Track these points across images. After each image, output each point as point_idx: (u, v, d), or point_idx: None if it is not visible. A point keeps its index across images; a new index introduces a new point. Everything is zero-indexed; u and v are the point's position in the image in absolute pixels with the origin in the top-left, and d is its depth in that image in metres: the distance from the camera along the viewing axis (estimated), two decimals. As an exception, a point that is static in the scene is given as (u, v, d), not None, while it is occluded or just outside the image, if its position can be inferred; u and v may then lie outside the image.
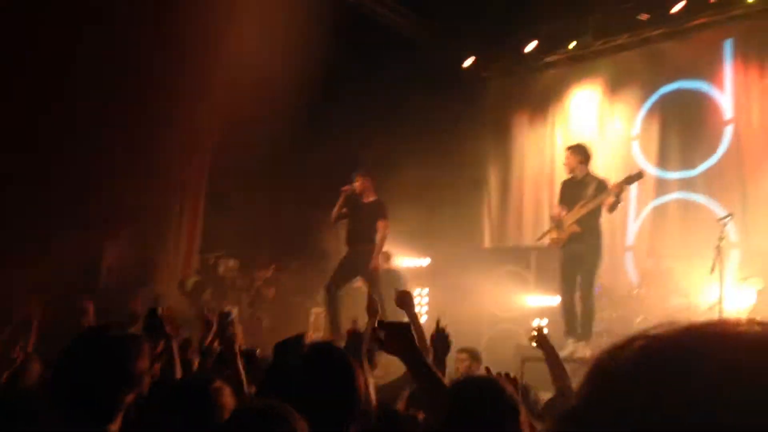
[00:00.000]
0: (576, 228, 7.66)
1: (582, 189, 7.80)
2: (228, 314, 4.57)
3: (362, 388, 2.29)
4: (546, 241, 8.42)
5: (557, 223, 7.88)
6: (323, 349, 2.52)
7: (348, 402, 2.22)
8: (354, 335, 4.51)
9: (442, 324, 3.50)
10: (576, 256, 7.73)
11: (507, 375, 4.70)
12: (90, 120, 8.26)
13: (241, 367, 3.47)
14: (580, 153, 7.99)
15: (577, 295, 7.77)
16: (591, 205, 7.64)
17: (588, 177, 7.90)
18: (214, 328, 4.79)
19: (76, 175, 8.09)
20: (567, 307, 7.85)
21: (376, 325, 5.06)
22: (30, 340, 4.52)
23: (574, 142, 8.77)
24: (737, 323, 0.65)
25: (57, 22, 7.74)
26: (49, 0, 8.01)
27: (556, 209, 7.97)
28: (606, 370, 0.66)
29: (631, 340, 0.66)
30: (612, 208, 7.69)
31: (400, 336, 2.53)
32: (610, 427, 0.60)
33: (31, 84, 7.76)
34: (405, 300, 4.41)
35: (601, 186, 7.76)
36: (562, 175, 12.21)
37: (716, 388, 0.58)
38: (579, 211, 7.71)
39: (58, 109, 7.95)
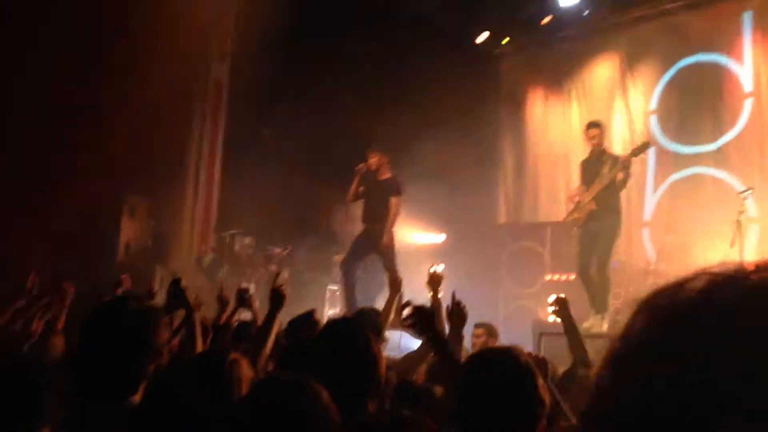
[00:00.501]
0: (593, 206, 7.62)
1: (600, 166, 7.78)
2: (246, 290, 4.58)
3: (380, 363, 2.31)
4: (569, 220, 8.42)
5: (576, 203, 7.81)
6: (341, 324, 2.54)
7: (366, 376, 2.24)
8: (372, 311, 4.53)
9: (458, 298, 3.50)
10: (592, 234, 7.70)
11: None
12: (104, 97, 8.28)
13: (271, 337, 3.48)
14: (603, 130, 7.97)
15: (593, 270, 7.75)
16: (605, 181, 7.59)
17: (605, 155, 7.85)
18: (231, 304, 4.81)
19: (92, 150, 8.12)
20: (584, 284, 7.84)
21: (397, 300, 5.11)
22: (60, 318, 4.56)
23: (593, 118, 8.68)
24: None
25: None
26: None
27: (576, 189, 7.99)
28: (668, 306, 0.64)
29: (688, 279, 0.65)
30: (622, 183, 7.64)
31: (429, 319, 2.71)
32: (681, 363, 0.59)
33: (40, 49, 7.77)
34: (435, 281, 4.59)
35: (617, 162, 7.70)
36: (578, 150, 12.16)
37: None
38: (594, 189, 7.67)
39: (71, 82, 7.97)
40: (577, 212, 7.86)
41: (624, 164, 7.50)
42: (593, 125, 8.09)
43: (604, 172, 7.67)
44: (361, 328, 2.51)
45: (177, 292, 3.59)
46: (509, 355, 2.28)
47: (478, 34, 12.77)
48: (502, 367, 2.18)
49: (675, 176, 11.01)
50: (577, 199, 7.92)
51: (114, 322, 2.20)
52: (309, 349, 2.51)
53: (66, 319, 4.63)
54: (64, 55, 8.15)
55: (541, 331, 7.49)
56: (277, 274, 4.15)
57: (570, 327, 3.82)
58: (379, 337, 4.20)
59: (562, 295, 4.16)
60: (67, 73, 8.20)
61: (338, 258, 8.96)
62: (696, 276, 0.64)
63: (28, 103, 8.27)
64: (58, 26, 8.16)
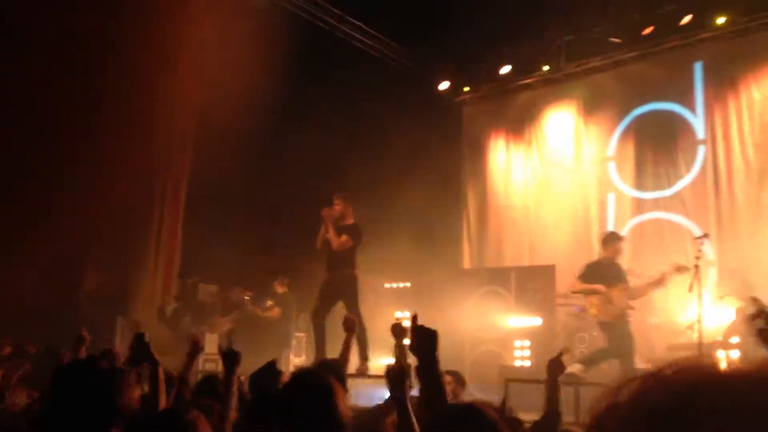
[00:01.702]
0: (632, 307, 7.80)
1: (616, 270, 7.95)
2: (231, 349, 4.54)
3: (345, 414, 2.31)
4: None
5: (607, 298, 7.77)
6: (305, 376, 2.54)
7: (330, 426, 2.23)
8: (333, 361, 4.50)
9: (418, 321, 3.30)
10: (623, 334, 7.67)
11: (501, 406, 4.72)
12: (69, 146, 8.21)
13: (234, 395, 3.45)
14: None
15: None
16: (650, 289, 7.80)
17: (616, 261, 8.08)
18: (194, 355, 4.73)
19: (54, 201, 8.02)
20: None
21: (351, 340, 5.11)
22: (16, 373, 4.46)
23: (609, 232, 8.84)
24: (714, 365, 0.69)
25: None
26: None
27: (602, 286, 7.84)
28: (610, 409, 0.70)
29: (629, 381, 0.70)
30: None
31: (428, 340, 2.60)
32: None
33: None
34: (398, 331, 4.51)
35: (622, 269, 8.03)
36: (540, 196, 12.42)
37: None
38: (632, 292, 7.83)
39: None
40: (610, 308, 7.74)
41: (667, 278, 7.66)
42: (619, 238, 8.32)
43: (621, 275, 7.92)
44: (324, 378, 2.51)
45: (141, 347, 3.54)
46: (474, 412, 2.28)
47: (440, 83, 13.04)
48: (468, 425, 2.18)
49: (634, 221, 11.27)
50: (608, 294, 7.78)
51: (83, 381, 2.17)
52: (274, 401, 2.50)
53: (25, 373, 4.53)
54: (27, 111, 8.10)
55: (508, 377, 7.50)
56: (231, 332, 4.12)
57: (553, 382, 3.81)
58: (342, 384, 4.17)
59: (563, 352, 4.16)
60: (29, 125, 8.14)
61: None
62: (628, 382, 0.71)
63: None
64: (21, 86, 8.11)
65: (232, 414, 3.44)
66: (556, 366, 3.83)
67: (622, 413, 0.67)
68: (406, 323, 4.45)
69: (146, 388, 4.20)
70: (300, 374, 2.77)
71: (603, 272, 7.86)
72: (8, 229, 7.87)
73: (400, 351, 4.50)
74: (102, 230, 8.94)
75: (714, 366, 0.69)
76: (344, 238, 7.68)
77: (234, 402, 3.43)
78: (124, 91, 8.50)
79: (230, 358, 3.59)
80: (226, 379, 3.56)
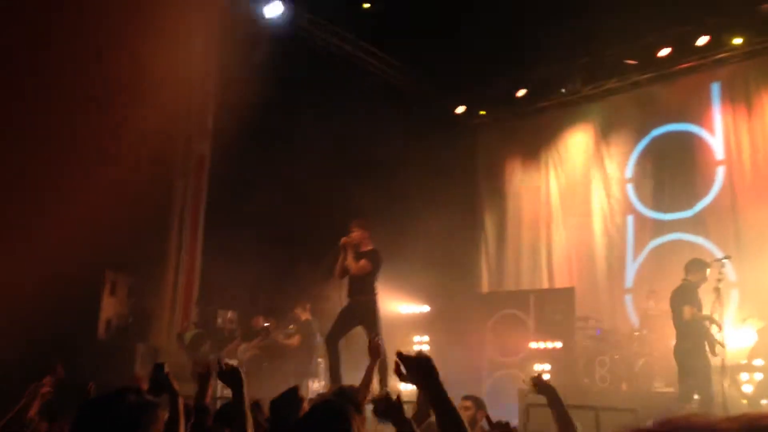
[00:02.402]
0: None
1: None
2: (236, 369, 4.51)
3: None
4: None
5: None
6: (324, 407, 2.53)
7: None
8: (351, 388, 4.47)
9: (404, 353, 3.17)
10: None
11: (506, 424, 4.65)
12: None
13: (248, 417, 3.41)
14: None
15: None
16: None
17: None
18: (209, 383, 4.70)
19: (72, 227, 8.09)
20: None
21: (375, 366, 5.07)
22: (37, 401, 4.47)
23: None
24: (712, 422, 0.72)
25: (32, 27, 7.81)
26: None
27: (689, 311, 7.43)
28: None
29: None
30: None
31: (421, 367, 2.51)
32: None
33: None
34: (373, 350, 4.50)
35: None
36: (558, 218, 12.38)
37: None
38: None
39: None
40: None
41: None
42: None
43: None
44: (343, 409, 2.50)
45: (161, 378, 3.52)
46: None
47: (456, 107, 13.09)
48: None
49: (654, 242, 11.18)
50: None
51: (112, 415, 2.17)
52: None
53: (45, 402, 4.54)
54: (42, 130, 8.20)
55: (528, 403, 7.42)
56: (218, 359, 4.02)
57: (555, 404, 3.74)
58: (359, 412, 4.14)
59: (543, 371, 4.13)
60: (44, 148, 8.24)
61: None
62: None
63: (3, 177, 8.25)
64: (33, 106, 8.23)
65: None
66: (544, 389, 3.75)
67: None
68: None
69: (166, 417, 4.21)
70: (319, 405, 2.76)
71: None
72: (21, 252, 7.95)
73: (381, 373, 4.47)
74: (117, 255, 9.00)
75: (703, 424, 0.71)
76: (363, 262, 7.68)
77: (249, 424, 3.37)
78: (137, 116, 8.60)
79: (229, 376, 3.44)
80: (235, 400, 3.46)
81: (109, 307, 9.18)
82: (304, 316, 9.92)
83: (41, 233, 8.11)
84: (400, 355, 2.57)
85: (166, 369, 3.39)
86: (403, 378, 2.61)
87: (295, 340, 9.73)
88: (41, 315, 7.56)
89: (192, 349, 9.42)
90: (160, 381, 3.41)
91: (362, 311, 7.65)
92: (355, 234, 7.79)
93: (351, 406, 2.76)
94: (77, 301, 8.54)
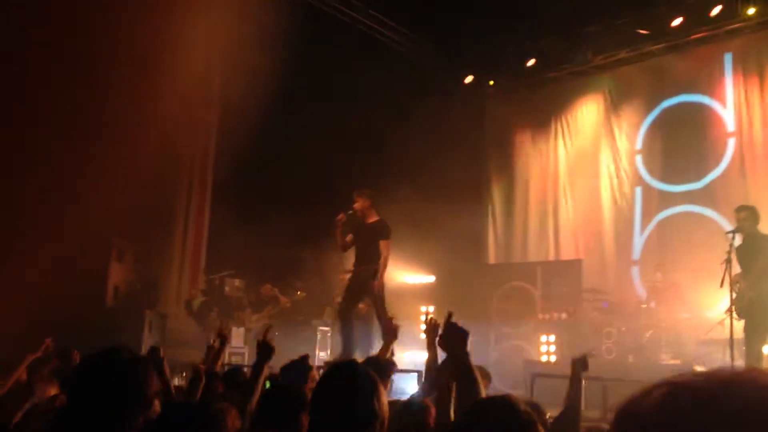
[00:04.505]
0: (753, 294, 6.73)
1: (755, 250, 6.86)
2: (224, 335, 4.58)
3: (384, 405, 2.29)
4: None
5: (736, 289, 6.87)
6: (344, 366, 2.52)
7: (370, 418, 2.22)
8: (373, 359, 4.50)
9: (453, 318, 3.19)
10: (758, 323, 6.69)
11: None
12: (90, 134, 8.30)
13: (260, 386, 3.48)
14: (753, 213, 7.12)
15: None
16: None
17: (759, 239, 7.00)
18: (222, 351, 4.75)
19: (79, 194, 8.10)
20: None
21: (391, 345, 5.07)
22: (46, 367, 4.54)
23: (741, 204, 7.70)
24: (752, 373, 0.70)
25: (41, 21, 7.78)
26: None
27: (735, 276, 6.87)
28: (632, 416, 0.70)
29: (652, 388, 0.71)
30: None
31: (459, 337, 2.60)
32: None
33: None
34: (431, 330, 4.45)
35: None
36: (565, 190, 12.32)
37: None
38: (752, 276, 6.78)
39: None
40: (739, 302, 6.83)
41: None
42: (740, 209, 7.22)
43: (763, 254, 6.80)
44: (365, 368, 2.48)
45: (157, 362, 3.63)
46: (510, 404, 2.26)
47: (465, 77, 12.97)
48: (505, 418, 2.16)
49: (662, 215, 11.12)
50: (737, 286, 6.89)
51: (107, 370, 2.19)
52: (314, 395, 2.50)
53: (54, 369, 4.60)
54: (51, 102, 8.17)
55: (534, 372, 7.45)
56: (269, 327, 4.14)
57: (576, 380, 3.84)
58: (386, 377, 4.22)
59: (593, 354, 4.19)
60: (54, 119, 8.23)
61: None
62: (655, 387, 0.72)
63: (11, 150, 8.25)
64: (43, 77, 8.19)
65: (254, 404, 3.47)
66: (580, 365, 3.87)
67: (643, 421, 0.68)
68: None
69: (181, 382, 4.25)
70: (336, 368, 2.73)
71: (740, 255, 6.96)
72: (31, 221, 7.97)
73: (429, 351, 4.47)
74: (125, 222, 9.01)
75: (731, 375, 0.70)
76: (382, 245, 7.64)
77: (258, 393, 3.46)
78: (146, 86, 8.55)
79: (265, 350, 3.65)
80: (255, 369, 3.59)
81: (117, 274, 9.22)
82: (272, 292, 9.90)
83: (52, 201, 8.13)
84: (449, 318, 2.64)
85: (162, 354, 3.47)
86: (433, 338, 2.67)
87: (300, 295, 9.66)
88: (50, 282, 7.61)
89: (200, 316, 9.49)
90: (156, 365, 3.49)
91: (368, 281, 7.65)
92: (358, 204, 7.76)
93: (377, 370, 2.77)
94: (85, 268, 8.58)
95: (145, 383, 2.26)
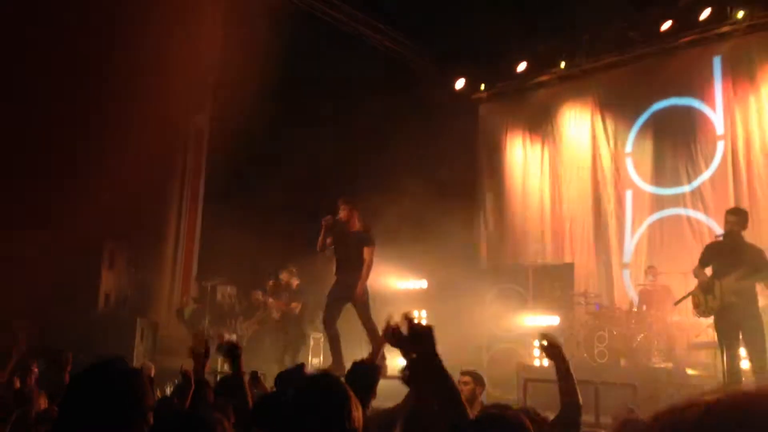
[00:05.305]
0: (734, 299, 6.69)
1: (737, 254, 6.84)
2: (233, 344, 4.54)
3: (358, 420, 2.26)
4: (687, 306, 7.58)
5: (706, 288, 6.90)
6: (320, 379, 2.48)
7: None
8: (360, 363, 4.48)
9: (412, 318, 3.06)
10: (734, 325, 6.67)
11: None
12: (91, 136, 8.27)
13: (247, 389, 3.46)
14: (742, 217, 6.98)
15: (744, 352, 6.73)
16: (746, 272, 6.67)
17: (744, 243, 6.94)
18: (208, 357, 4.73)
19: (71, 199, 8.07)
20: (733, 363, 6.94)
21: (381, 353, 5.06)
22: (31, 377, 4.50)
23: (734, 207, 7.71)
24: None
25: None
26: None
27: (701, 272, 6.99)
28: (673, 427, 0.72)
29: (693, 403, 0.72)
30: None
31: (425, 336, 2.48)
32: None
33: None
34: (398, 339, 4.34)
35: (758, 253, 6.86)
36: (557, 193, 12.36)
37: None
38: (738, 282, 6.71)
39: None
40: (706, 299, 6.87)
41: None
42: (731, 212, 7.14)
43: (744, 259, 6.77)
44: (339, 381, 2.45)
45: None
46: (515, 420, 2.27)
47: (456, 81, 13.00)
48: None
49: (652, 218, 11.17)
50: (706, 284, 6.91)
51: (104, 384, 2.17)
52: (286, 403, 2.47)
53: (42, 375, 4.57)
54: (45, 105, 8.14)
55: (527, 377, 7.45)
56: (220, 334, 4.11)
57: (562, 370, 3.56)
58: (371, 392, 4.14)
59: (555, 337, 3.83)
60: (47, 121, 8.19)
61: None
62: (696, 402, 0.75)
63: (3, 152, 8.21)
64: (38, 80, 8.16)
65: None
66: (551, 350, 3.57)
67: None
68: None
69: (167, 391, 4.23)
70: (314, 378, 2.71)
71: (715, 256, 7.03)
72: (23, 224, 7.93)
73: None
74: (117, 227, 8.98)
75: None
76: (366, 252, 7.62)
77: (249, 396, 3.43)
78: (138, 90, 8.53)
79: (230, 351, 3.59)
80: (233, 373, 3.56)
81: (108, 280, 9.19)
82: (294, 282, 9.77)
83: (43, 207, 8.09)
84: (408, 318, 2.55)
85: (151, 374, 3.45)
86: (397, 343, 2.57)
87: (295, 306, 9.58)
88: (42, 285, 7.57)
89: (191, 324, 9.45)
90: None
91: (350, 289, 7.61)
92: (343, 213, 7.72)
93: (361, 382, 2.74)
94: (76, 273, 8.55)
95: (143, 396, 2.24)
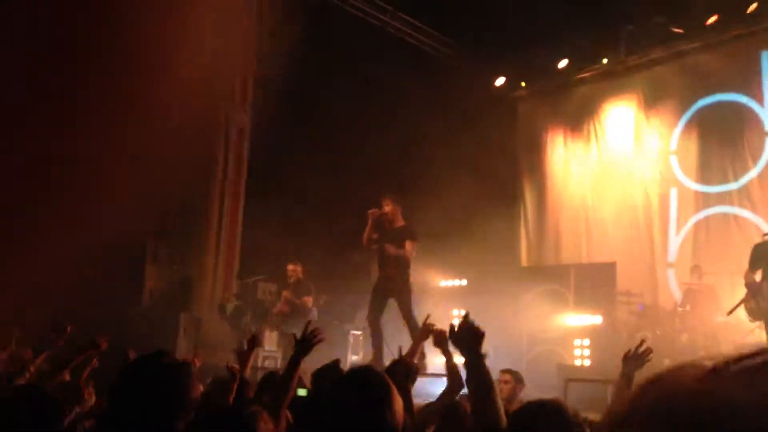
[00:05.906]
0: None
1: None
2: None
3: (399, 414, 2.24)
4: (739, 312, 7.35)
5: (755, 290, 6.73)
6: (360, 373, 2.48)
7: (384, 427, 2.19)
8: (398, 363, 4.48)
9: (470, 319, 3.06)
10: None
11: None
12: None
13: (295, 380, 3.44)
14: None
15: None
16: None
17: None
18: (251, 354, 4.76)
19: (115, 196, 8.22)
20: None
21: (420, 349, 5.04)
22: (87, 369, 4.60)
23: None
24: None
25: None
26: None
27: (751, 275, 6.79)
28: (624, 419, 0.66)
29: (692, 365, 0.68)
30: None
31: (473, 335, 2.60)
32: None
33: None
34: (441, 340, 4.32)
35: None
36: (599, 191, 12.18)
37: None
38: None
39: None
40: (755, 302, 6.76)
41: None
42: None
43: None
44: (380, 375, 2.44)
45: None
46: (558, 409, 2.26)
47: (495, 79, 12.91)
48: (553, 422, 2.16)
49: (697, 216, 10.95)
50: (755, 286, 6.77)
51: (151, 376, 2.22)
52: (326, 399, 2.47)
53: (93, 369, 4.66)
54: (86, 98, 8.30)
55: (568, 377, 7.38)
56: (308, 323, 4.00)
57: (626, 383, 3.52)
58: (407, 392, 4.12)
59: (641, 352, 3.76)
60: (90, 115, 8.34)
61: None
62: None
63: (46, 147, 8.38)
64: (81, 72, 8.32)
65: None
66: (634, 361, 3.54)
67: (641, 417, 0.65)
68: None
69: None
70: (355, 373, 2.71)
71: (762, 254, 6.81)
72: (71, 222, 8.10)
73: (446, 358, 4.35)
74: (160, 223, 9.12)
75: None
76: (409, 245, 7.66)
77: (294, 386, 3.40)
78: (180, 87, 8.64)
79: (306, 345, 3.52)
80: (292, 361, 3.48)
81: (152, 276, 9.35)
82: (302, 275, 9.63)
83: (87, 202, 8.26)
84: (466, 317, 2.62)
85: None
86: (450, 341, 2.65)
87: (307, 300, 9.44)
88: (88, 282, 7.73)
89: (233, 320, 9.56)
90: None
91: (393, 285, 7.65)
92: (388, 209, 7.77)
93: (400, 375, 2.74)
94: (121, 269, 8.71)
95: (187, 389, 2.28)
